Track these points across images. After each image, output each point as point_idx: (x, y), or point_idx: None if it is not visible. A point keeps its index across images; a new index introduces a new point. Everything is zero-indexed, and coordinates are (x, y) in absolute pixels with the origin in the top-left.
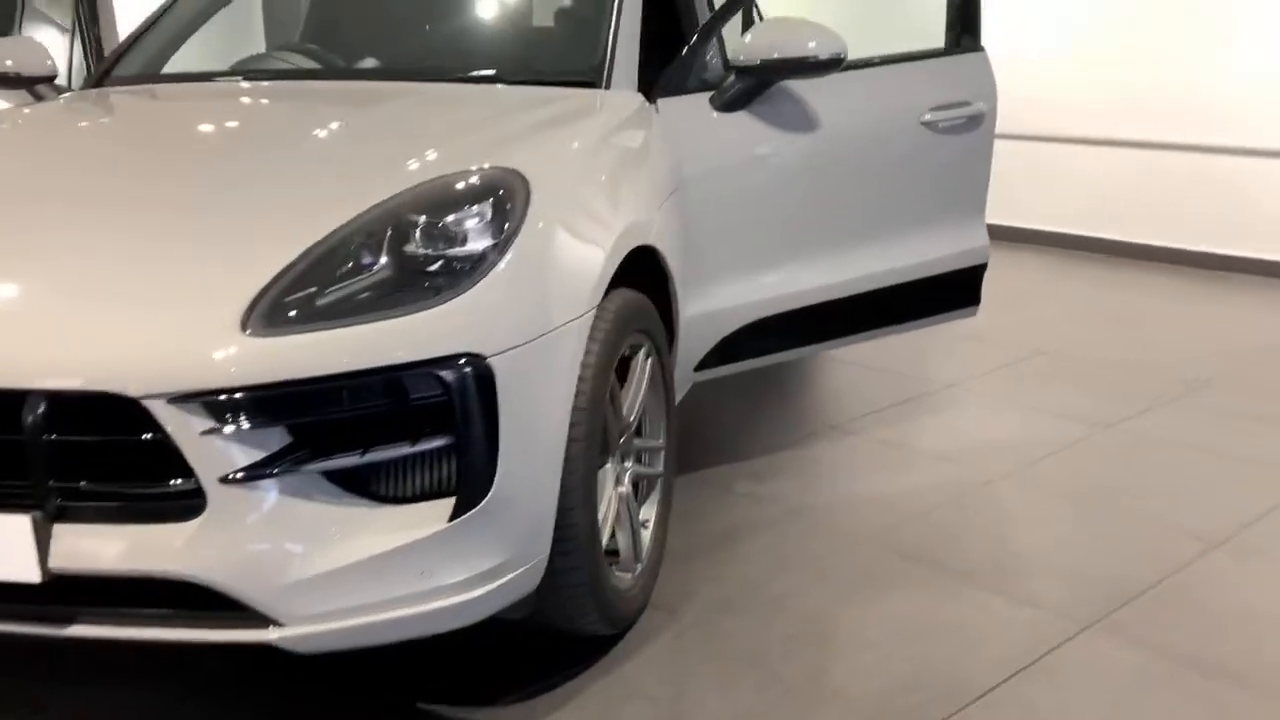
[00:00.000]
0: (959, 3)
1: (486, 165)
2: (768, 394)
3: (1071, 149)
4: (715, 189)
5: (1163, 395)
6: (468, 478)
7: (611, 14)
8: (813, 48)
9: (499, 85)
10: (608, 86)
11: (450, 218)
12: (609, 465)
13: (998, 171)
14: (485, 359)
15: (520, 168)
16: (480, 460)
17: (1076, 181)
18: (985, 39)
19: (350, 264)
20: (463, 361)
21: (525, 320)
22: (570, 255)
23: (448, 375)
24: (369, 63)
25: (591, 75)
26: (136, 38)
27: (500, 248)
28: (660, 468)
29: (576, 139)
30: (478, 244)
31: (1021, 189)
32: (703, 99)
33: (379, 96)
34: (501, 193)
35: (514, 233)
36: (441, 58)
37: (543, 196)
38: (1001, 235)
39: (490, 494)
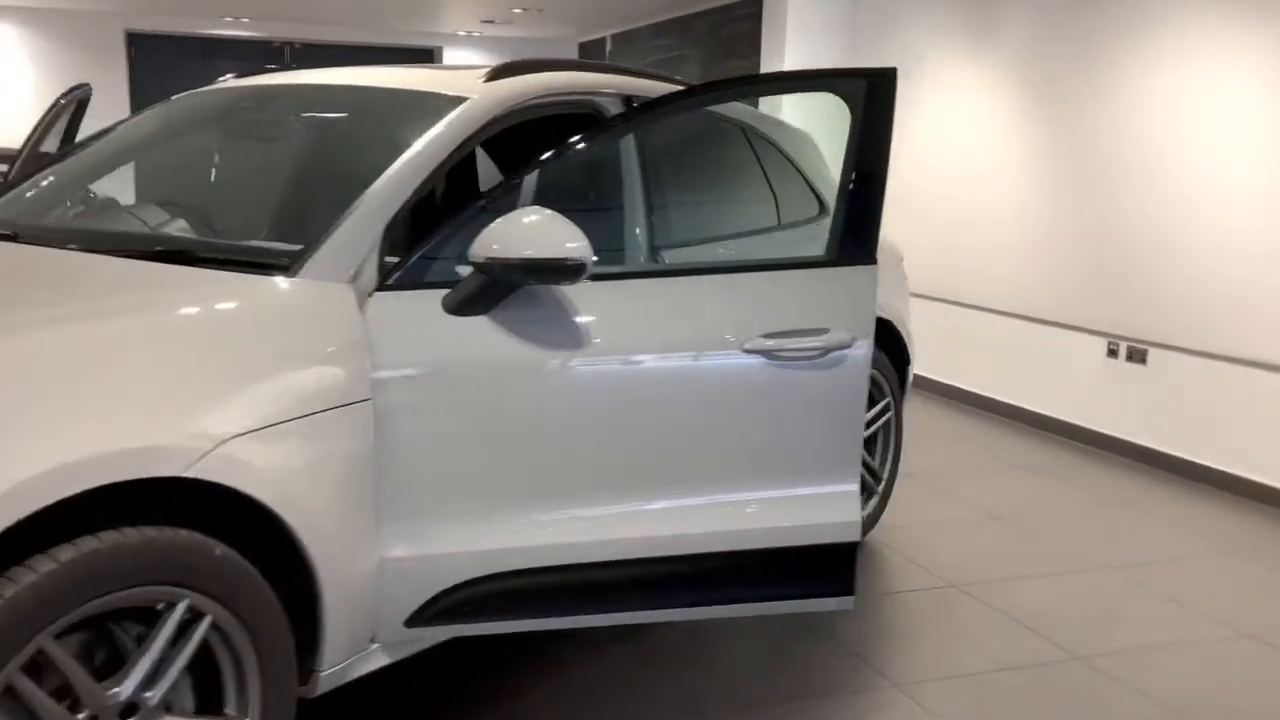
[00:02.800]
0: (854, 201)
1: None
2: (639, 653)
3: None
4: (429, 406)
5: None
6: None
7: (366, 193)
8: (571, 249)
9: (153, 264)
10: (296, 275)
11: None
12: None
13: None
14: None
15: None
16: None
17: None
18: None
19: None
20: None
21: None
22: None
23: None
24: (170, 227)
25: (285, 260)
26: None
27: None
28: None
29: (79, 338)
30: None
31: (1243, 428)
32: (436, 297)
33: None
34: None
35: None
36: (191, 225)
37: None
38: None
39: None
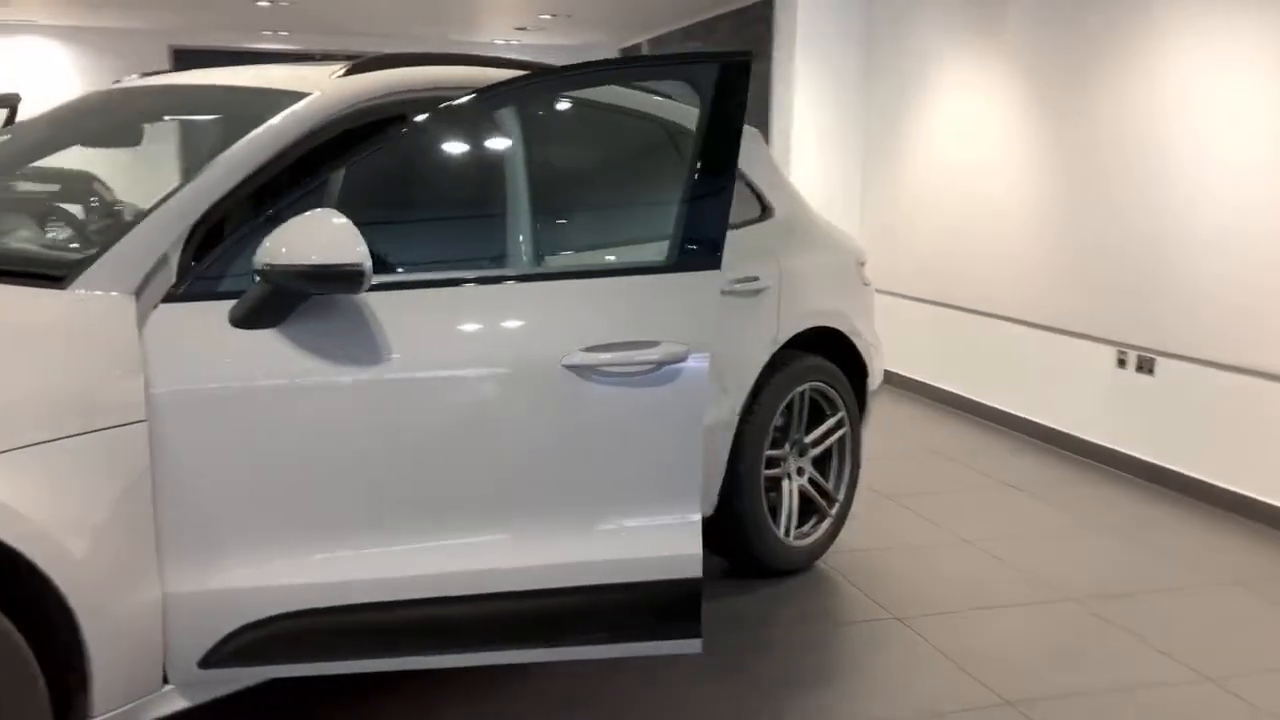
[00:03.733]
0: (697, 199)
1: None
2: (520, 692)
3: None
4: (212, 429)
5: None
6: None
7: (168, 198)
8: (354, 254)
9: None
10: (70, 285)
11: None
12: None
13: None
14: None
15: None
16: None
17: None
18: None
19: None
20: None
21: None
22: None
23: None
24: None
25: (61, 270)
26: None
27: None
28: None
29: None
30: None
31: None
32: (224, 309)
33: None
34: None
35: None
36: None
37: None
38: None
39: None
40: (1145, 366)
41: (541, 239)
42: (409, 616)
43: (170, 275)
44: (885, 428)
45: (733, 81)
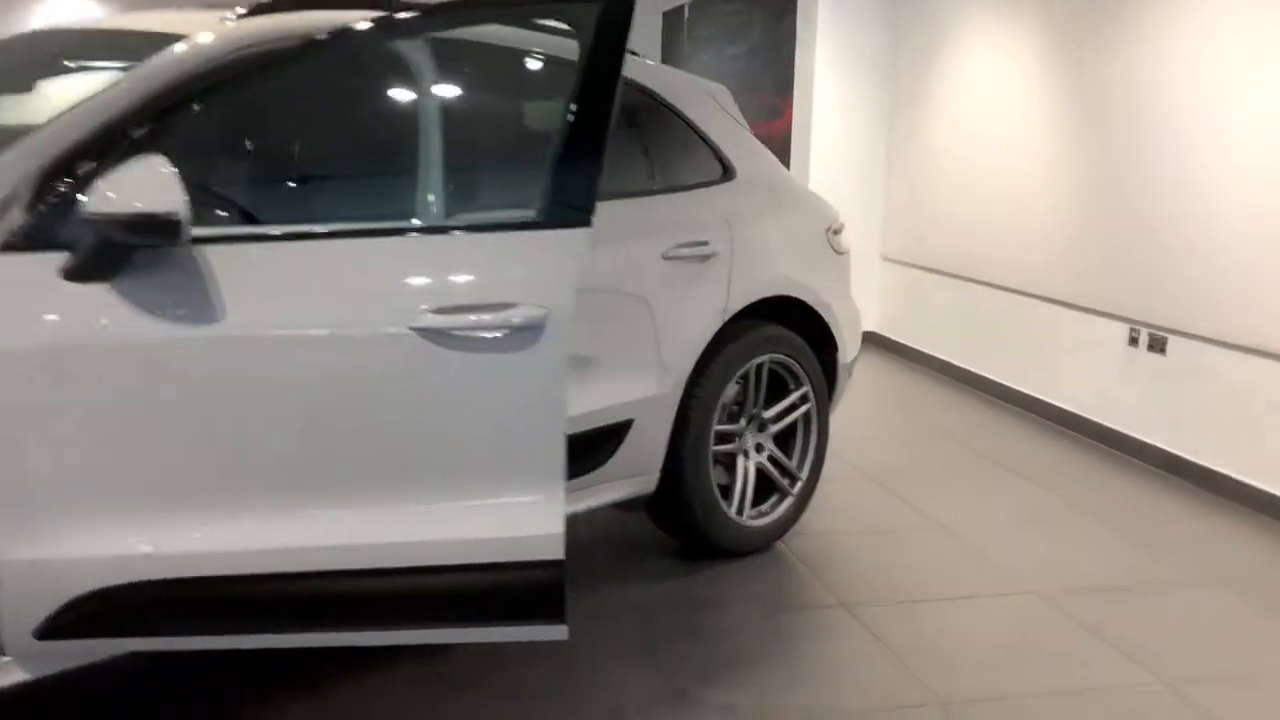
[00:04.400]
0: (568, 150)
1: None
2: (413, 673)
3: None
4: (37, 389)
5: None
6: None
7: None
8: (166, 202)
9: None
10: None
11: None
12: None
13: None
14: None
15: None
16: None
17: None
18: None
19: None
20: None
21: None
22: None
23: None
24: None
25: None
26: None
27: None
28: None
29: None
30: None
31: None
32: (59, 260)
33: None
34: None
35: None
36: None
37: None
38: None
39: None
40: (1157, 345)
41: (398, 191)
42: (253, 592)
43: (14, 224)
44: (888, 403)
45: (613, 25)
